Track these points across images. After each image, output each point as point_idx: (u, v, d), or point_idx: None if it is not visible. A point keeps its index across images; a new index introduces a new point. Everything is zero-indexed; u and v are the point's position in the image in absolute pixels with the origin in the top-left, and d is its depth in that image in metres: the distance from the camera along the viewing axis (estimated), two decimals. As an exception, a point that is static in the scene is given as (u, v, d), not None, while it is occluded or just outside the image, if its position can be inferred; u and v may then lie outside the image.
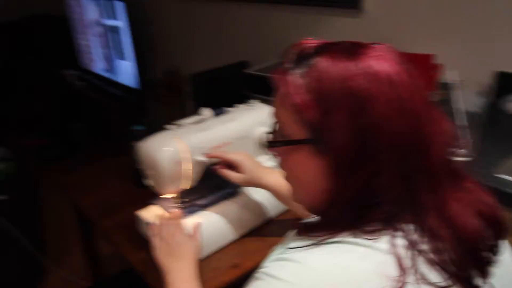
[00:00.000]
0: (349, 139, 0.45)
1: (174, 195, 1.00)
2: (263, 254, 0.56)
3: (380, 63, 0.46)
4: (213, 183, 1.06)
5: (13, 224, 1.73)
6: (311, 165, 0.50)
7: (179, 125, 0.98)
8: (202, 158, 0.93)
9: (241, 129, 1.03)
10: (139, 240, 1.02)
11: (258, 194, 1.07)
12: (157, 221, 0.94)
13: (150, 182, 0.96)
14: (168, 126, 0.99)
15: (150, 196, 1.02)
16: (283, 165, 0.57)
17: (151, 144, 0.92)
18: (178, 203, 1.01)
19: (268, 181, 0.91)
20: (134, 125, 1.24)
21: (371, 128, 0.45)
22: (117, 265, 1.83)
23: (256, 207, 1.06)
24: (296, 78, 0.49)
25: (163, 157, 0.89)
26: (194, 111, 1.04)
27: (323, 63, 0.47)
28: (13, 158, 2.09)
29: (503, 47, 1.38)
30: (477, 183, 0.52)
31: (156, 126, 0.99)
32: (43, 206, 2.35)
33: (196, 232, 0.93)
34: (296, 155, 0.51)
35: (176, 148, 0.91)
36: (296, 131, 0.50)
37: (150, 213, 1.01)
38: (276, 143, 0.55)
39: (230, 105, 1.08)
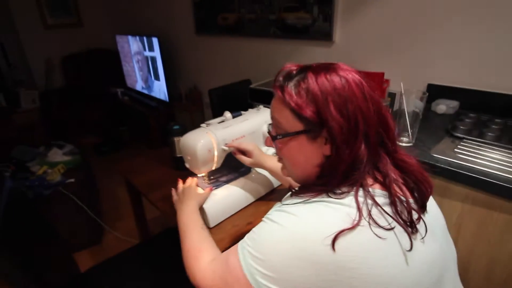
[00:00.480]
0: (342, 122, 0.47)
1: (205, 174, 1.02)
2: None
3: (347, 73, 0.49)
4: (232, 165, 1.08)
5: (79, 199, 1.74)
6: (305, 149, 0.51)
7: (208, 124, 1.00)
8: (225, 148, 0.95)
9: (252, 126, 1.04)
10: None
11: (263, 172, 1.09)
12: (179, 185, 0.95)
13: (187, 165, 0.98)
14: (201, 125, 1.00)
15: (185, 176, 1.02)
16: (281, 152, 0.55)
17: (191, 137, 0.93)
18: (208, 180, 1.03)
19: (268, 164, 0.92)
20: (173, 125, 1.25)
21: (354, 113, 0.47)
22: (158, 228, 1.87)
23: (262, 181, 1.08)
24: (290, 89, 0.50)
25: (199, 146, 0.91)
26: (210, 117, 1.06)
27: (310, 75, 0.49)
28: (78, 152, 2.10)
29: (432, 66, 1.42)
30: (409, 155, 0.53)
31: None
32: (99, 186, 2.36)
33: (207, 192, 0.92)
34: (293, 143, 0.52)
35: (208, 140, 0.92)
36: (293, 126, 0.51)
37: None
38: (278, 135, 0.54)
39: (242, 110, 1.09)
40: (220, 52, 2.50)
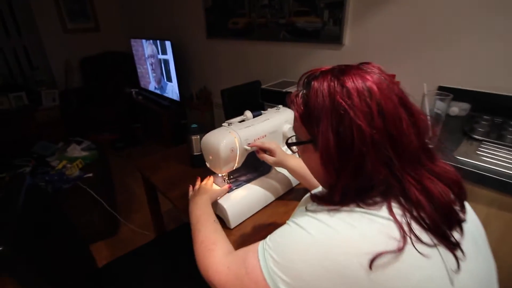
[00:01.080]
0: (329, 141, 0.40)
1: (226, 173, 0.90)
2: (288, 215, 0.52)
3: (360, 80, 0.40)
4: (251, 165, 0.97)
5: (96, 192, 1.63)
6: (314, 158, 0.45)
7: (230, 123, 0.88)
8: (247, 147, 0.84)
9: (273, 126, 0.92)
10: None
11: (283, 171, 0.97)
12: (197, 182, 0.87)
13: (208, 164, 0.86)
14: (223, 124, 0.88)
15: (201, 174, 0.92)
16: (301, 157, 0.51)
17: (213, 137, 0.82)
18: (228, 179, 0.92)
19: (290, 163, 0.83)
20: (191, 124, 1.13)
21: (348, 132, 0.39)
22: (171, 220, 1.76)
23: (282, 180, 0.97)
24: (299, 97, 0.45)
25: (222, 146, 0.79)
26: (220, 116, 0.96)
27: (315, 85, 0.43)
28: (95, 148, 1.99)
29: (442, 68, 1.30)
30: (443, 161, 0.44)
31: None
32: (114, 180, 2.24)
33: (224, 188, 0.84)
34: (306, 150, 0.47)
35: (231, 139, 0.81)
36: (303, 135, 0.46)
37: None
38: (292, 143, 0.50)
39: (252, 110, 0.97)
40: (231, 54, 2.38)
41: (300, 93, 0.45)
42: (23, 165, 1.74)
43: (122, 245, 1.70)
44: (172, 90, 2.72)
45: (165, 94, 2.86)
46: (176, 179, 1.10)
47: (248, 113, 0.94)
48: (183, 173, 1.14)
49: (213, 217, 0.69)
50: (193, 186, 0.87)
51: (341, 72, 0.42)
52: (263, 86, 1.70)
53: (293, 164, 0.82)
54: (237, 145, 0.82)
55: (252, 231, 0.82)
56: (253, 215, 0.88)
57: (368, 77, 0.41)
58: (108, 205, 1.67)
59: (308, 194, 0.51)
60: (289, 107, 0.47)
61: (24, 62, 3.07)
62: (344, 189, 0.41)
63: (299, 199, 0.53)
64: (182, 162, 1.22)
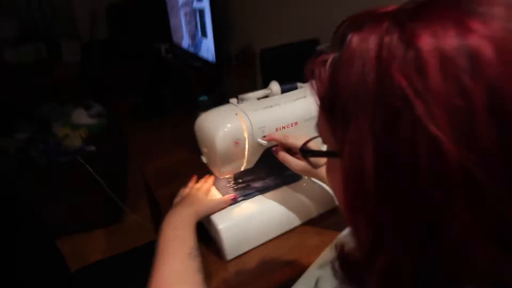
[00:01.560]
0: (363, 161, 0.25)
1: (229, 176, 0.74)
2: (319, 252, 0.46)
3: (453, 31, 0.22)
4: (272, 166, 0.79)
5: (99, 171, 1.60)
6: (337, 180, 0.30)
7: (242, 100, 0.69)
8: (261, 140, 0.65)
9: (311, 109, 0.71)
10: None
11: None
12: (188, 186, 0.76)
13: (204, 159, 0.70)
14: (231, 100, 0.70)
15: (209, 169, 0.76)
16: (327, 177, 0.37)
17: (210, 120, 0.65)
18: (234, 184, 0.75)
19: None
20: (199, 95, 0.98)
21: (406, 148, 0.23)
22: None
23: (318, 194, 0.77)
24: (326, 67, 0.29)
25: (220, 135, 0.62)
26: (263, 86, 0.77)
27: (353, 42, 0.26)
28: (105, 114, 1.98)
29: None
30: None
31: (228, 97, 0.72)
32: (130, 158, 2.24)
33: (223, 200, 0.70)
34: (332, 168, 0.33)
35: (236, 126, 0.63)
36: (327, 138, 0.32)
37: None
38: (307, 150, 0.38)
39: (302, 81, 0.76)
40: (284, 1, 2.14)
41: (330, 59, 0.29)
42: (26, 130, 1.80)
43: (123, 237, 1.70)
44: (208, 49, 2.61)
45: (200, 54, 2.76)
46: (176, 170, 0.98)
47: (274, 86, 0.74)
48: (188, 163, 1.01)
49: (189, 246, 0.57)
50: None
51: (413, 13, 0.25)
52: (319, 47, 1.46)
53: None
54: (246, 135, 0.64)
55: (258, 270, 0.67)
56: (263, 243, 0.72)
57: (477, 25, 0.22)
58: (112, 187, 1.65)
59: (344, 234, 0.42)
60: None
61: (46, 9, 3.23)
62: (391, 266, 0.26)
63: (339, 228, 0.44)
64: (190, 146, 1.09)
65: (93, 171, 1.58)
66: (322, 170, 0.65)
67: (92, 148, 1.68)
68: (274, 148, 0.68)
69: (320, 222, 0.77)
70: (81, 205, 1.65)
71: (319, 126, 0.33)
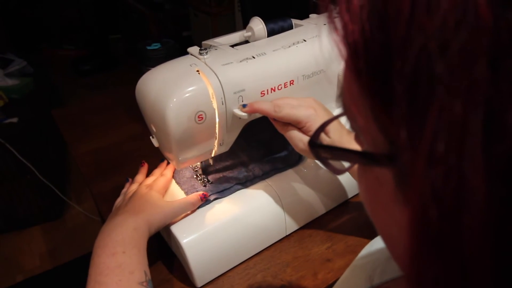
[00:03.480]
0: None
1: (194, 165, 0.62)
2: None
3: None
4: (258, 146, 0.69)
5: (25, 150, 1.48)
6: (387, 202, 0.23)
7: (209, 48, 0.56)
8: (240, 113, 0.53)
9: (312, 60, 0.59)
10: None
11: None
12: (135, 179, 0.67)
13: (155, 143, 0.58)
14: (190, 49, 0.57)
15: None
16: (358, 181, 0.27)
17: (157, 82, 0.53)
18: (202, 176, 0.64)
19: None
20: (147, 43, 0.84)
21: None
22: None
23: (324, 185, 0.68)
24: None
25: (174, 106, 0.49)
26: (243, 27, 0.65)
27: None
28: (31, 73, 1.82)
29: None
30: None
31: (197, 44, 0.60)
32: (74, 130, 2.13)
33: (185, 202, 0.60)
34: (370, 171, 0.24)
35: (197, 91, 0.50)
36: (365, 125, 0.21)
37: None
38: (321, 145, 0.27)
39: (298, 16, 0.63)
40: None
41: None
42: None
43: (66, 234, 1.65)
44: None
45: (157, -16, 2.58)
46: (120, 154, 0.88)
47: (256, 25, 0.61)
48: (138, 143, 0.90)
49: (140, 276, 0.50)
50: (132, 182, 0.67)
51: None
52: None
53: None
54: (215, 104, 0.52)
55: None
56: (249, 259, 0.63)
57: None
58: (47, 172, 1.57)
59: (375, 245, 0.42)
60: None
61: None
62: None
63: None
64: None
65: (16, 151, 1.45)
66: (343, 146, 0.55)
67: (13, 120, 1.55)
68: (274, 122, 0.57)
69: (329, 222, 0.68)
70: (7, 197, 1.56)
71: (345, 100, 0.23)
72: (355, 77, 0.20)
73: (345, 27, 0.19)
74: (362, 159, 0.23)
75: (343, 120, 0.60)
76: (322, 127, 0.32)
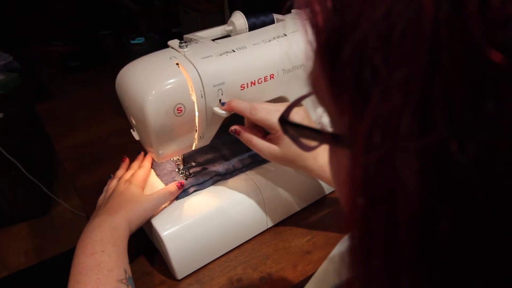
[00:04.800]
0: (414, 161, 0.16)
1: (176, 158, 0.63)
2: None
3: None
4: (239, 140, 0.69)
5: (9, 148, 1.47)
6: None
7: (189, 41, 0.56)
8: (219, 111, 0.54)
9: (292, 54, 0.60)
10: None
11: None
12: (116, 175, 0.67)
13: (136, 136, 0.58)
14: (170, 42, 0.57)
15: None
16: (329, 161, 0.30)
17: (136, 74, 0.53)
18: (183, 169, 0.64)
19: (320, 162, 0.57)
20: (132, 37, 0.84)
21: None
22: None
23: (304, 180, 0.68)
24: None
25: (153, 98, 0.50)
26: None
27: None
28: (17, 68, 1.80)
29: None
30: None
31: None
32: (62, 124, 2.12)
33: (162, 193, 0.60)
34: (336, 152, 0.26)
35: (177, 84, 0.51)
36: (329, 106, 0.22)
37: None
38: (289, 122, 0.28)
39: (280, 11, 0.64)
40: None
41: None
42: None
43: (52, 232, 1.64)
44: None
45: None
46: (104, 148, 0.88)
47: (238, 19, 0.61)
48: (122, 137, 0.90)
49: (119, 273, 0.50)
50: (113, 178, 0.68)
51: None
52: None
53: (322, 164, 0.58)
54: (194, 97, 0.52)
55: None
56: (230, 252, 0.63)
57: None
58: (32, 168, 1.55)
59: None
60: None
61: None
62: None
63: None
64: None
65: (1, 146, 1.44)
66: (309, 159, 0.56)
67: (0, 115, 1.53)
68: (233, 128, 0.57)
69: (310, 215, 0.69)
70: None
71: (313, 80, 0.23)
72: (316, 58, 0.21)
73: (311, 7, 0.20)
74: (322, 138, 0.24)
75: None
76: (294, 104, 0.33)
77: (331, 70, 0.20)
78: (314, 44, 0.21)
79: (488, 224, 0.15)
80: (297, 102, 0.33)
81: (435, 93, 0.15)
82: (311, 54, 0.22)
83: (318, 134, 0.24)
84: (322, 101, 0.24)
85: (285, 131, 0.28)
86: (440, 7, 0.14)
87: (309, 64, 0.23)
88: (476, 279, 0.17)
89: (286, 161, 0.56)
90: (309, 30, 0.21)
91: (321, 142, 0.24)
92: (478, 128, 0.14)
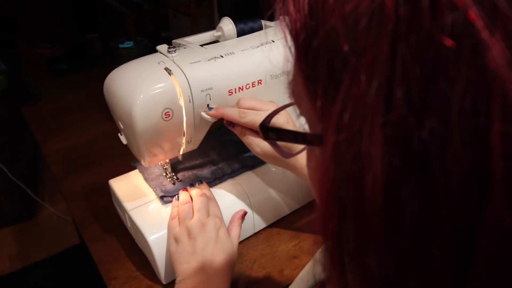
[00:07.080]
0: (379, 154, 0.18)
1: (164, 163, 0.63)
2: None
3: None
4: (228, 143, 0.70)
5: None
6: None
7: (177, 46, 0.57)
8: (206, 116, 0.54)
9: (280, 60, 0.59)
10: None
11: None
12: (182, 197, 0.60)
13: (124, 140, 0.58)
14: (159, 47, 0.58)
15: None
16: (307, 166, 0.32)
17: (124, 79, 0.53)
18: (171, 174, 0.64)
19: (303, 163, 0.58)
20: (120, 41, 0.84)
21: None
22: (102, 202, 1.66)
23: (292, 184, 0.69)
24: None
25: (140, 103, 0.50)
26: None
27: None
28: (7, 70, 1.78)
29: None
30: None
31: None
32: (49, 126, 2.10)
33: (236, 223, 0.61)
34: (312, 155, 0.28)
35: (165, 88, 0.51)
36: (306, 109, 0.25)
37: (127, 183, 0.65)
38: (269, 128, 0.30)
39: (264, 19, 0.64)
40: None
41: None
42: None
43: (38, 237, 1.62)
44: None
45: (136, -16, 2.56)
46: (94, 150, 0.87)
47: (226, 25, 0.61)
48: (111, 140, 0.88)
49: None
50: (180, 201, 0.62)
51: None
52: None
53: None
54: (182, 102, 0.52)
55: None
56: None
57: None
58: (18, 171, 1.53)
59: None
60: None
61: None
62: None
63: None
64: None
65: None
66: (297, 158, 0.57)
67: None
68: (227, 121, 0.57)
69: (297, 220, 0.69)
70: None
71: (293, 87, 0.25)
72: (294, 60, 0.23)
73: (292, 22, 0.22)
74: (299, 140, 0.26)
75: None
76: (275, 112, 0.34)
77: (307, 66, 0.21)
78: (293, 48, 0.22)
79: (445, 192, 0.17)
80: (279, 111, 0.35)
81: (396, 76, 0.17)
82: (291, 58, 0.24)
83: (296, 135, 0.26)
84: (300, 105, 0.25)
85: (266, 137, 0.29)
86: (398, 4, 0.17)
87: (289, 67, 0.24)
88: (436, 247, 0.18)
89: (275, 158, 0.57)
90: (288, 36, 0.22)
91: (299, 143, 0.26)
92: (432, 104, 0.16)
